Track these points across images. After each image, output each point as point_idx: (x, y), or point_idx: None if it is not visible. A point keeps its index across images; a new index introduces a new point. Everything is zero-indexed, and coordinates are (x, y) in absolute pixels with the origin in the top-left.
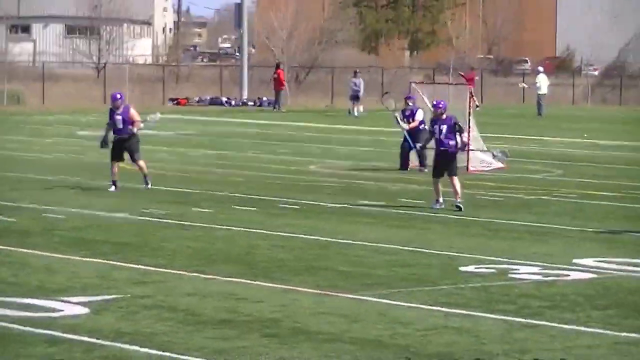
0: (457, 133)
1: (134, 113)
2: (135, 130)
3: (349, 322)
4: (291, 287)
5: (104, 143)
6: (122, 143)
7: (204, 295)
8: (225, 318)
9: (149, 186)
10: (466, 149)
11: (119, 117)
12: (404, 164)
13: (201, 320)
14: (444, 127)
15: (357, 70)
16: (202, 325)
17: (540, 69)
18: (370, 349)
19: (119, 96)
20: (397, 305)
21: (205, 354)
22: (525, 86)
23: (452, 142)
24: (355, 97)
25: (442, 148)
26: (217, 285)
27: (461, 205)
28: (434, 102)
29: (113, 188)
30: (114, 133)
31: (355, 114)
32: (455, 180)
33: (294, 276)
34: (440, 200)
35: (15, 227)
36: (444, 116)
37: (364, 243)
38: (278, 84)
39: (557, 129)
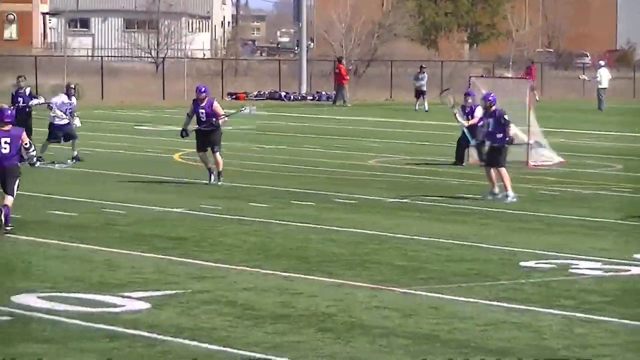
0: (504, 126)
1: (217, 106)
2: (220, 122)
3: (404, 317)
4: (346, 282)
5: (184, 132)
6: (206, 135)
7: (262, 290)
8: (282, 313)
9: (219, 183)
10: (512, 142)
11: (202, 111)
12: (460, 159)
13: (259, 315)
14: (492, 120)
15: (423, 66)
16: (260, 320)
17: (602, 62)
18: (425, 343)
19: (203, 89)
20: (455, 300)
21: (264, 349)
22: (586, 78)
23: (498, 135)
24: (421, 93)
25: (488, 140)
26: (274, 279)
27: (509, 198)
28: (484, 94)
29: (211, 178)
30: (197, 124)
31: (426, 108)
32: (503, 172)
33: (348, 270)
34: (495, 190)
35: (75, 222)
36: (493, 108)
37: (420, 238)
38: (339, 78)
39: (617, 123)
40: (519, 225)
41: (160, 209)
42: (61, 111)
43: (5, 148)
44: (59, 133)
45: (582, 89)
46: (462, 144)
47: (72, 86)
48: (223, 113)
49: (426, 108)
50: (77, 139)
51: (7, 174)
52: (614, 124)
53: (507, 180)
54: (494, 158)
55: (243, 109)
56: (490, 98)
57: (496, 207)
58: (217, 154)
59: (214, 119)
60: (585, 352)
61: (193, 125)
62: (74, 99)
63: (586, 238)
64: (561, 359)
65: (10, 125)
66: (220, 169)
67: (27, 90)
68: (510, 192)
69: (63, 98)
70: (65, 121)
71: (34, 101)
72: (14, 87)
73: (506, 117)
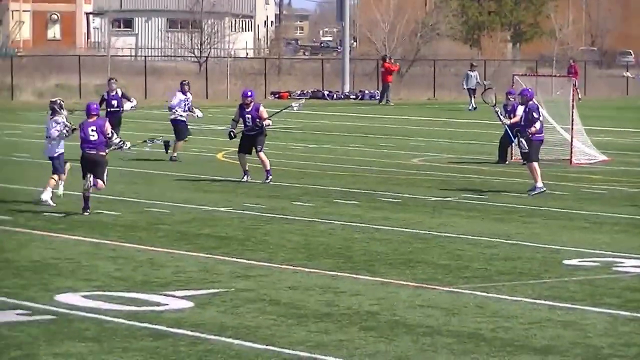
0: (532, 122)
1: (263, 111)
2: (265, 124)
3: (447, 315)
4: (389, 280)
5: (231, 134)
6: (251, 138)
7: (306, 288)
8: (325, 311)
9: (268, 181)
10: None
11: (248, 115)
12: (502, 158)
13: (303, 313)
14: (524, 115)
15: (474, 64)
16: (304, 318)
17: None
18: (469, 342)
19: (249, 93)
20: (499, 298)
21: (308, 348)
22: (630, 76)
23: (528, 130)
24: (473, 90)
25: (521, 135)
26: (318, 278)
27: (537, 190)
28: (521, 90)
29: (245, 178)
30: (244, 127)
31: (475, 106)
32: (531, 166)
33: (392, 269)
34: (538, 184)
35: (120, 222)
36: (529, 104)
37: (464, 236)
38: (385, 77)
39: None
40: (563, 224)
41: (204, 208)
42: (181, 109)
43: (93, 135)
44: (183, 128)
45: (625, 87)
46: (505, 143)
47: (186, 82)
48: (268, 117)
49: (475, 106)
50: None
51: (96, 160)
52: None
53: (535, 173)
54: (524, 153)
55: (292, 106)
56: (524, 93)
57: (540, 205)
58: (261, 153)
59: (258, 121)
60: (630, 350)
61: (239, 128)
62: (189, 94)
63: (631, 236)
64: (606, 356)
65: (96, 117)
66: (268, 168)
67: (119, 92)
68: (539, 183)
69: (180, 96)
70: (184, 118)
71: (127, 105)
72: (105, 90)
73: (535, 114)
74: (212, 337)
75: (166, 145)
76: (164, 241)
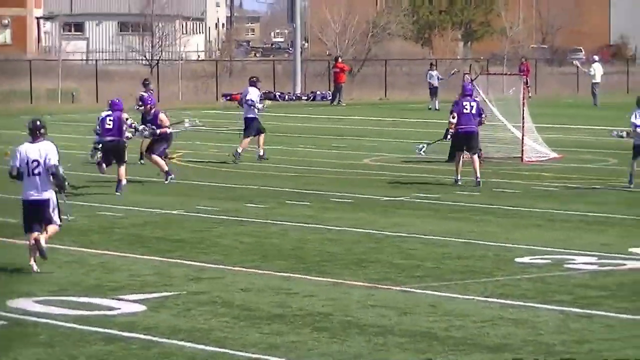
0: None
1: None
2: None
3: (400, 315)
4: (342, 281)
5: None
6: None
7: (259, 290)
8: (278, 313)
9: (167, 182)
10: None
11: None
12: (452, 157)
13: (256, 315)
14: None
15: (433, 63)
16: (257, 320)
17: (596, 57)
18: (422, 341)
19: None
20: (451, 297)
21: (260, 350)
22: (578, 65)
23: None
24: (434, 90)
25: None
26: (271, 280)
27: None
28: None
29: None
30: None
31: (436, 107)
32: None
33: (344, 270)
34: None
35: (74, 226)
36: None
37: (417, 236)
38: (338, 77)
39: (612, 118)
40: (515, 222)
41: (157, 211)
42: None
43: (109, 124)
44: (254, 126)
45: (575, 85)
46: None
47: (254, 78)
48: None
49: (437, 106)
50: (264, 133)
51: (113, 148)
52: (608, 119)
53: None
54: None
55: (185, 122)
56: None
57: (492, 203)
58: (154, 156)
59: (154, 127)
60: (582, 347)
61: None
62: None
63: (583, 233)
64: (558, 354)
65: (119, 112)
66: (166, 169)
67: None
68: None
69: (255, 92)
70: (256, 115)
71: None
72: (141, 92)
73: (452, 109)
74: (165, 340)
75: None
76: (117, 245)
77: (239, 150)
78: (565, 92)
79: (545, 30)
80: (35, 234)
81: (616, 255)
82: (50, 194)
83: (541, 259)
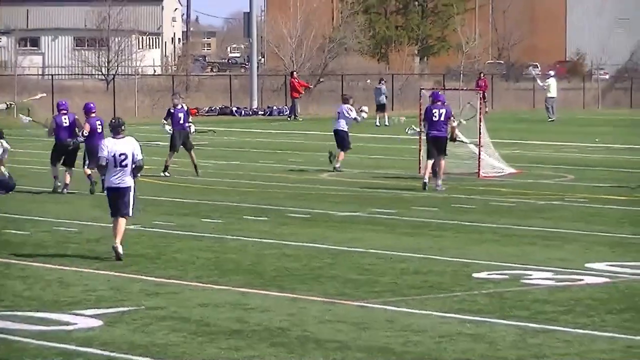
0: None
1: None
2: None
3: (358, 330)
4: (299, 296)
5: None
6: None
7: (216, 305)
8: (236, 328)
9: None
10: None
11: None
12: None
13: (213, 330)
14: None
15: (382, 79)
16: (214, 335)
17: (551, 72)
18: (379, 356)
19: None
20: (409, 312)
21: None
22: (535, 76)
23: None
24: (382, 107)
25: None
26: (228, 295)
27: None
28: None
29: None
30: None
31: (386, 123)
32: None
33: (302, 285)
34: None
35: (29, 241)
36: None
37: (375, 251)
38: (294, 92)
39: (569, 134)
40: (473, 237)
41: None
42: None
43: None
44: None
45: (532, 100)
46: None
47: (348, 95)
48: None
49: (386, 122)
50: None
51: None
52: (565, 134)
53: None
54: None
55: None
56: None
57: (450, 218)
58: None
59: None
60: None
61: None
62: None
63: (540, 249)
64: None
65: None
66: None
67: (185, 107)
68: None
69: (346, 107)
70: (346, 129)
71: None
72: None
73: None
74: (122, 355)
75: (330, 155)
76: (73, 260)
77: (337, 165)
78: (522, 107)
79: (502, 45)
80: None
81: (573, 270)
82: (131, 182)
83: (498, 274)
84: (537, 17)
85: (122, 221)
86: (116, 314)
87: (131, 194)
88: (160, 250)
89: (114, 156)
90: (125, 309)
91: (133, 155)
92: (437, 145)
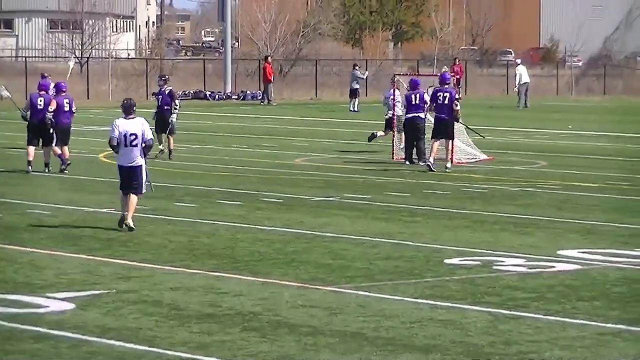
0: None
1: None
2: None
3: (330, 315)
4: (272, 281)
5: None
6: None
7: (188, 289)
8: (208, 312)
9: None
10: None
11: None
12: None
13: (185, 314)
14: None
15: (356, 64)
16: (186, 319)
17: (518, 60)
18: (352, 341)
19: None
20: (381, 297)
21: (190, 349)
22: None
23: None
24: (354, 92)
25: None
26: (201, 279)
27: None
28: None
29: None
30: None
31: (356, 108)
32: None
33: (275, 269)
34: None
35: (2, 223)
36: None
37: (347, 236)
38: (266, 77)
39: (542, 120)
40: (445, 223)
41: (87, 210)
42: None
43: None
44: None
45: (505, 86)
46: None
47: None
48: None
49: (356, 109)
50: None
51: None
52: (537, 120)
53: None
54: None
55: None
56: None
57: (422, 204)
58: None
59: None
60: (510, 348)
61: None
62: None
63: (512, 235)
64: (486, 355)
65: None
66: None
67: (167, 90)
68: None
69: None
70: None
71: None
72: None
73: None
74: (94, 338)
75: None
76: (46, 243)
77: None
78: (495, 94)
79: (476, 31)
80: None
81: (545, 257)
82: (142, 161)
83: (470, 260)
84: (512, 3)
85: (133, 198)
86: (88, 297)
87: (143, 172)
88: (132, 234)
89: (124, 136)
90: (97, 292)
91: (143, 135)
92: (441, 129)
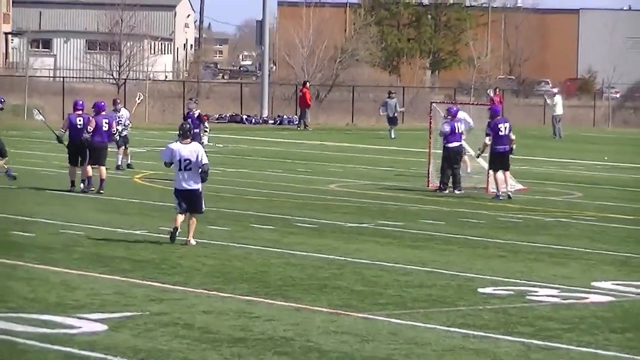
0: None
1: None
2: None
3: (362, 342)
4: (304, 306)
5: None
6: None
7: (220, 313)
8: (239, 336)
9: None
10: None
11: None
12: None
13: (216, 338)
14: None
15: (392, 91)
16: (218, 343)
17: (555, 90)
18: None
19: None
20: (413, 325)
21: None
22: (547, 100)
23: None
24: (393, 119)
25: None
26: (233, 303)
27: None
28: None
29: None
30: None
31: (394, 136)
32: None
33: (307, 295)
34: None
35: (35, 243)
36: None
37: (380, 263)
38: (303, 102)
39: (578, 151)
40: (479, 252)
41: (120, 231)
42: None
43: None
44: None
45: (542, 116)
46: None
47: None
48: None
49: (393, 135)
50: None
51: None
52: (574, 151)
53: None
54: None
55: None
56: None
57: (456, 232)
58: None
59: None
60: None
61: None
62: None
63: (546, 265)
64: None
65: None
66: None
67: (197, 113)
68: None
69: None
70: None
71: (205, 138)
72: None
73: (487, 131)
74: None
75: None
76: (79, 263)
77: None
78: (531, 124)
79: (513, 61)
80: (182, 217)
81: (578, 288)
82: (199, 185)
83: (504, 290)
84: (549, 34)
85: (193, 219)
86: (120, 318)
87: (199, 195)
88: (165, 256)
89: (179, 160)
90: (129, 313)
91: (197, 160)
92: (505, 160)
